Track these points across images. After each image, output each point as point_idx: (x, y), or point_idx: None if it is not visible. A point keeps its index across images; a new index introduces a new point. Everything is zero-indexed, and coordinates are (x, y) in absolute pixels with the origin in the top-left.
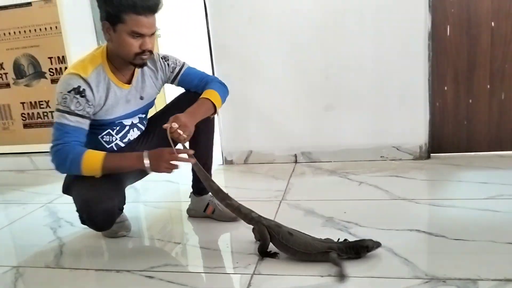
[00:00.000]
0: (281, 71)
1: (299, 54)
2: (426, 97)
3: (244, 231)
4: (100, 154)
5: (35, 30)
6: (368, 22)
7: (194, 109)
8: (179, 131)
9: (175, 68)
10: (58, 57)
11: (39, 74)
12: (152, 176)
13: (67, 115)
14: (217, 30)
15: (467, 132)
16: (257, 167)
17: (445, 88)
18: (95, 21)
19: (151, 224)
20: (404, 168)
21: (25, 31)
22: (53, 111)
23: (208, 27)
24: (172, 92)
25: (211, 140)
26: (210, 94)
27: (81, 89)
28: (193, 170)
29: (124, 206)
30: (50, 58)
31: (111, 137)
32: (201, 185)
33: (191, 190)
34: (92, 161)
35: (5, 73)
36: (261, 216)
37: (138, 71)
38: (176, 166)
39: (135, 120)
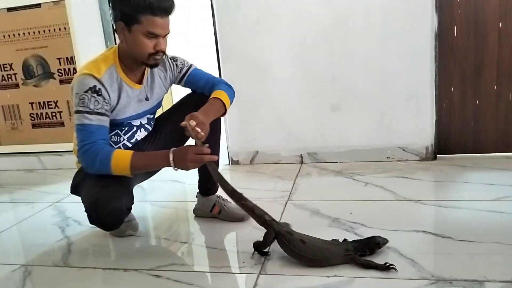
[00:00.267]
0: (288, 71)
1: (306, 54)
2: (433, 98)
3: (251, 231)
4: (128, 154)
5: (44, 31)
6: (375, 23)
7: (207, 108)
8: (197, 128)
9: (183, 68)
10: (67, 58)
11: (47, 74)
12: (159, 176)
13: (87, 115)
14: (224, 31)
15: (474, 133)
16: (263, 168)
17: (452, 89)
18: (104, 22)
19: (158, 223)
20: (410, 169)
21: (34, 32)
22: (61, 112)
23: (215, 28)
24: (180, 92)
25: (218, 140)
26: (220, 94)
27: (97, 88)
28: (199, 170)
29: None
30: (59, 59)
31: (118, 137)
32: (208, 185)
33: (198, 190)
34: (121, 160)
35: (14, 74)
36: (274, 220)
37: (148, 71)
38: (200, 163)
39: (144, 120)
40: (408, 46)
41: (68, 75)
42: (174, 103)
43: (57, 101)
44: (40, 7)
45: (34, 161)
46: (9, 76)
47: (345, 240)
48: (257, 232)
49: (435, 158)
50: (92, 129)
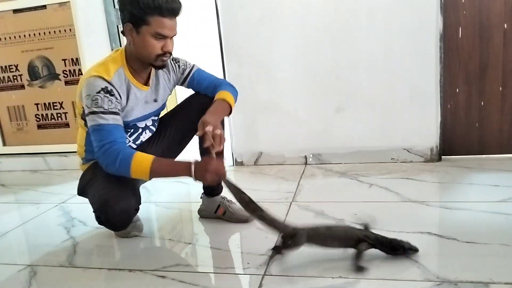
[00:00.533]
0: (292, 72)
1: (310, 55)
2: (438, 99)
3: (255, 232)
4: (149, 158)
5: (49, 32)
6: (379, 24)
7: (215, 109)
8: (216, 131)
9: (185, 69)
10: (72, 59)
11: (53, 76)
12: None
13: (102, 115)
14: (228, 31)
15: (479, 134)
16: (267, 169)
17: (457, 90)
18: (108, 24)
19: (162, 224)
20: (415, 170)
21: (39, 34)
22: (66, 113)
23: (219, 28)
24: (184, 93)
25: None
26: (225, 95)
27: (109, 89)
28: None
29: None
30: (64, 60)
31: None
32: (212, 186)
33: (202, 191)
34: (142, 164)
35: (20, 75)
36: (296, 228)
37: (153, 73)
38: (221, 178)
39: (149, 122)
40: (413, 47)
41: (73, 76)
42: (178, 103)
43: (62, 102)
44: (46, 8)
45: (39, 161)
46: (14, 77)
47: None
48: (261, 233)
49: (440, 159)
50: (109, 128)
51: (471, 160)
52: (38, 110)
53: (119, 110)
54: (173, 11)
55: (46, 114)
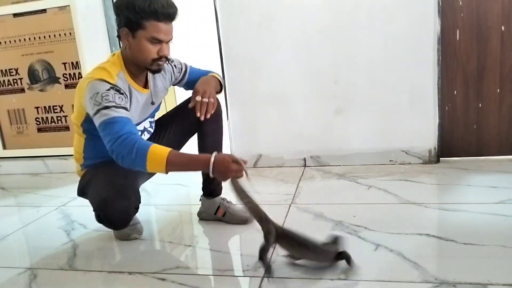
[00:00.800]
0: (291, 75)
1: (309, 58)
2: (436, 101)
3: (255, 234)
4: (166, 149)
5: (49, 36)
6: (378, 26)
7: (205, 79)
8: (209, 100)
9: (182, 68)
10: (72, 63)
11: (53, 79)
12: (163, 179)
13: (115, 109)
14: (227, 34)
15: (477, 136)
16: (267, 171)
17: (455, 92)
18: (108, 27)
19: (162, 227)
20: (413, 172)
21: (39, 37)
22: (66, 116)
23: (218, 31)
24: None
25: (221, 142)
26: (213, 74)
27: (117, 88)
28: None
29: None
30: (64, 63)
31: None
32: (212, 186)
33: (202, 193)
34: (159, 155)
35: (20, 78)
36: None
37: (150, 75)
38: (240, 175)
39: (147, 124)
40: (411, 49)
41: (73, 79)
42: (177, 104)
43: (62, 105)
44: (46, 12)
45: (39, 165)
46: (15, 81)
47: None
48: (261, 235)
49: (438, 161)
50: (124, 120)
51: (469, 161)
52: (38, 113)
53: (127, 108)
54: (169, 16)
55: (46, 118)
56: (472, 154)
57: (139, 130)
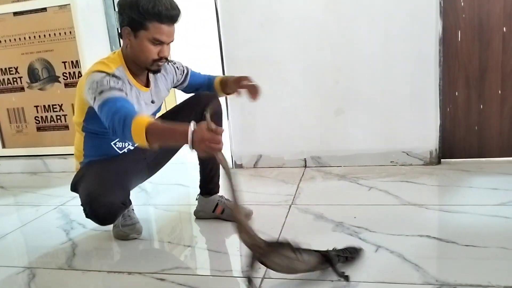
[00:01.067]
0: (292, 75)
1: (309, 58)
2: (437, 102)
3: None
4: (148, 118)
5: (49, 35)
6: (379, 27)
7: (227, 76)
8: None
9: (184, 70)
10: (72, 62)
11: (53, 78)
12: (162, 179)
13: (109, 91)
14: (229, 35)
15: (478, 137)
16: (267, 171)
17: (456, 93)
18: (109, 27)
19: (161, 227)
20: (414, 174)
21: (39, 36)
22: (66, 115)
23: (219, 32)
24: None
25: None
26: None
27: (114, 75)
28: (201, 170)
29: (134, 208)
30: (64, 62)
31: (123, 143)
32: (210, 185)
33: (199, 191)
34: (140, 124)
35: (20, 77)
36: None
37: (151, 76)
38: (215, 148)
39: None
40: (412, 50)
41: (73, 78)
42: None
43: (62, 104)
44: (46, 11)
45: (38, 164)
46: (14, 79)
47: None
48: (260, 235)
49: (439, 162)
50: (117, 98)
51: (470, 163)
52: (37, 112)
53: (125, 94)
54: (172, 18)
55: (46, 116)
56: (474, 156)
57: None
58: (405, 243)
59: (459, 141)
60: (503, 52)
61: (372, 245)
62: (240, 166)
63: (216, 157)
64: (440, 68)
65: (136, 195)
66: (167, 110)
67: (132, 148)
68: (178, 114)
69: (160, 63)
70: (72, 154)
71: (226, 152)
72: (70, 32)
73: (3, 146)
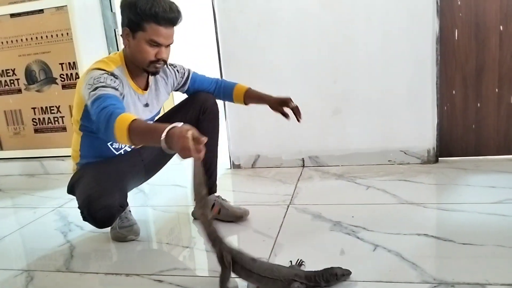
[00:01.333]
0: (289, 75)
1: (307, 58)
2: (434, 100)
3: (252, 235)
4: (132, 117)
5: (46, 36)
6: (376, 26)
7: (259, 93)
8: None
9: (184, 73)
10: (69, 63)
11: (50, 80)
12: (160, 180)
13: (103, 88)
14: (226, 35)
15: (476, 136)
16: (265, 171)
17: (453, 92)
18: (106, 28)
19: (159, 228)
20: (412, 172)
21: (37, 38)
22: (63, 116)
23: (216, 32)
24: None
25: (217, 142)
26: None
27: (113, 74)
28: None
29: (132, 210)
30: (61, 64)
31: (120, 144)
32: (208, 185)
33: None
34: (123, 122)
35: (17, 79)
36: (223, 240)
37: (152, 79)
38: (195, 152)
39: None
40: (410, 49)
41: (70, 80)
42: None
43: (59, 106)
44: (43, 12)
45: (36, 166)
46: (11, 81)
47: (302, 262)
48: (258, 236)
49: (436, 161)
50: (108, 96)
51: (467, 161)
52: (35, 114)
53: (120, 93)
54: (170, 20)
55: (43, 118)
56: (471, 154)
57: None
58: (402, 242)
59: (457, 139)
60: (499, 51)
61: (370, 244)
62: (238, 166)
63: (192, 163)
64: (437, 67)
65: (134, 196)
66: (165, 112)
67: (128, 149)
68: (175, 114)
69: (157, 65)
70: (70, 156)
71: (224, 153)
72: (67, 33)
73: (1, 148)
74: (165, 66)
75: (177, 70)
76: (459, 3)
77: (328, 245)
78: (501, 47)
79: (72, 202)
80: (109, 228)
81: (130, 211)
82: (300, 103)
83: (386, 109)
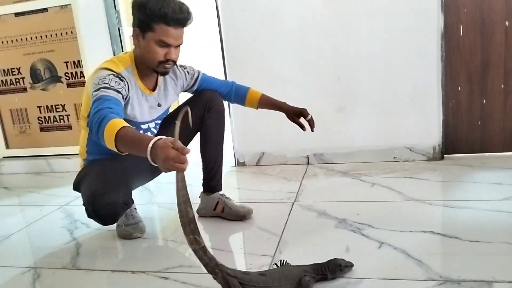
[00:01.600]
0: (293, 72)
1: (311, 55)
2: (440, 97)
3: (257, 233)
4: (121, 124)
5: (51, 35)
6: (380, 23)
7: (276, 101)
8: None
9: (194, 74)
10: (74, 62)
11: (55, 78)
12: (165, 177)
13: (105, 90)
14: (229, 33)
15: (481, 132)
16: (269, 169)
17: (459, 88)
18: (110, 26)
19: (165, 225)
20: (417, 169)
21: (41, 36)
22: (68, 115)
23: (220, 30)
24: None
25: (222, 139)
26: (255, 90)
27: (119, 76)
28: (204, 167)
29: (138, 207)
30: (66, 62)
31: None
32: (213, 183)
33: (202, 189)
34: (112, 128)
35: (22, 78)
36: (224, 265)
37: (161, 79)
38: (179, 166)
39: (152, 124)
40: (414, 45)
41: (75, 78)
42: (180, 104)
43: (64, 104)
44: (47, 11)
45: (42, 164)
46: (17, 80)
47: (285, 261)
48: (263, 234)
49: (442, 158)
50: (107, 98)
51: (473, 158)
52: (40, 112)
53: (123, 96)
54: (179, 21)
55: (49, 117)
56: (477, 151)
57: (143, 129)
58: (408, 239)
59: (462, 136)
60: (505, 47)
61: (375, 242)
62: (242, 164)
63: (176, 177)
64: (442, 63)
65: (139, 194)
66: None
67: None
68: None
69: (167, 65)
70: (76, 154)
71: (229, 151)
72: (72, 32)
73: (7, 147)
74: (175, 67)
75: (187, 71)
76: None
77: (333, 243)
78: (507, 43)
79: (78, 200)
80: (115, 225)
81: (135, 208)
82: (304, 100)
83: (391, 106)
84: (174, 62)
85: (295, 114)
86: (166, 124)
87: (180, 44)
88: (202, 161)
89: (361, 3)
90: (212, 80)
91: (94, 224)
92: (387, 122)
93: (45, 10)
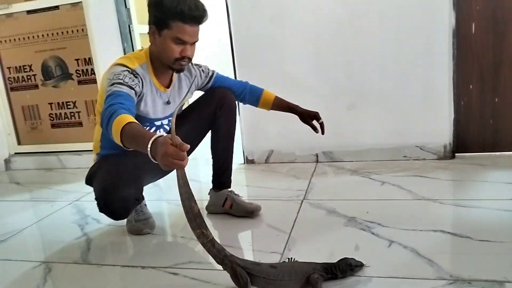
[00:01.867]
0: (303, 70)
1: (321, 53)
2: (451, 95)
3: (266, 229)
4: (128, 119)
5: (62, 33)
6: (391, 20)
7: (289, 103)
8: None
9: (209, 73)
10: (85, 59)
11: (66, 75)
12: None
13: (119, 85)
14: (239, 30)
15: (493, 131)
16: (278, 167)
17: (470, 86)
18: (120, 24)
19: (174, 221)
20: (428, 168)
21: (52, 34)
22: (79, 112)
23: (230, 28)
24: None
25: (233, 136)
26: (268, 92)
27: (133, 72)
28: (214, 163)
29: (148, 203)
30: (77, 60)
31: None
32: (222, 179)
33: (211, 186)
34: (119, 123)
35: (34, 75)
36: (233, 256)
37: (175, 76)
38: (177, 163)
39: (165, 121)
40: (425, 43)
41: (86, 75)
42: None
43: (75, 101)
44: (59, 9)
45: (53, 160)
46: (28, 77)
47: (294, 259)
48: (272, 230)
49: (453, 156)
50: (119, 93)
51: (485, 157)
52: (51, 109)
53: (136, 92)
54: (195, 18)
55: (60, 113)
56: (488, 150)
57: (156, 126)
58: (418, 238)
59: (474, 135)
60: None
61: (385, 240)
62: (251, 162)
63: (177, 174)
64: (453, 61)
65: (149, 190)
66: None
67: None
68: (192, 110)
69: (182, 63)
70: (86, 151)
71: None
72: (82, 29)
73: (19, 143)
74: (190, 65)
75: (202, 70)
76: None
77: (343, 241)
78: None
79: (89, 196)
80: (125, 221)
81: (145, 204)
82: (314, 98)
83: (402, 104)
84: (190, 59)
85: (309, 117)
86: (179, 122)
87: (196, 42)
88: (212, 158)
89: (372, 0)
90: (226, 79)
91: (104, 220)
92: (397, 120)
93: (56, 8)
